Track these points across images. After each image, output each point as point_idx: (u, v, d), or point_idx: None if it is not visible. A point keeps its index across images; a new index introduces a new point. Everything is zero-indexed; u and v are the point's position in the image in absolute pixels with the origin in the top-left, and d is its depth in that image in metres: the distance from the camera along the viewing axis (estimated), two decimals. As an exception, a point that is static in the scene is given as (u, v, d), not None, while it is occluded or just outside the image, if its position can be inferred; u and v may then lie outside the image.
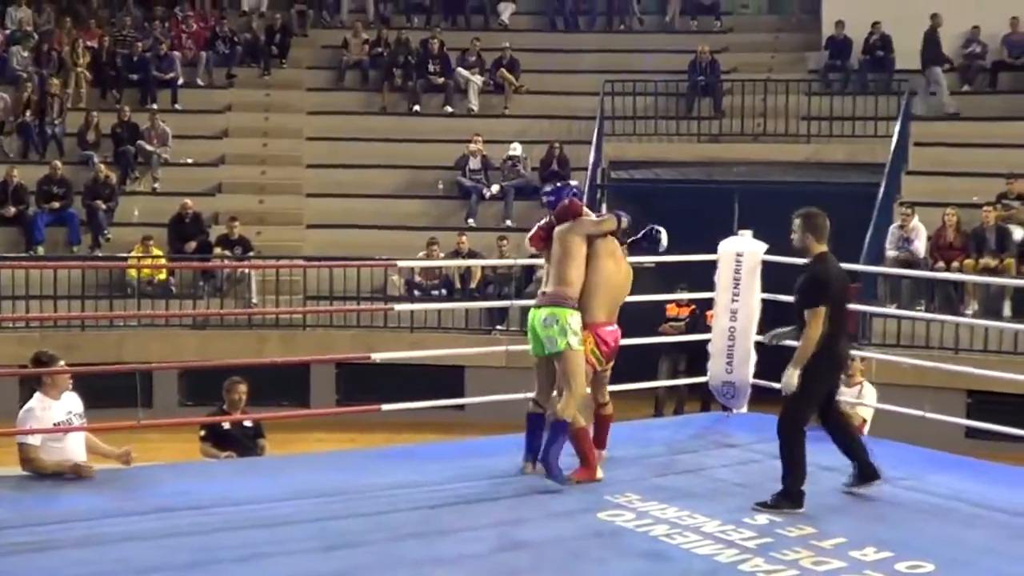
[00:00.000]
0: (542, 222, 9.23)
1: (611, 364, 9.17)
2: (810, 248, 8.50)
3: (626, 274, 9.17)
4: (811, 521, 7.94)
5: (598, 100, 22.50)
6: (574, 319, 8.70)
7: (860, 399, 11.56)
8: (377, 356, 10.20)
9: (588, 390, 9.05)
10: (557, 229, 8.95)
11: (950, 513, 8.43)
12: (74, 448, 9.07)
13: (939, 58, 22.95)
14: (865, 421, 11.57)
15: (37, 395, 9.09)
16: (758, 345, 10.80)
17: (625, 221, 9.12)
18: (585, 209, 9.13)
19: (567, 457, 8.74)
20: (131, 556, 7.24)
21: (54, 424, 8.98)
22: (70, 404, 9.13)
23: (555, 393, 8.80)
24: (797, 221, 8.54)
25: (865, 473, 8.60)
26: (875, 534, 7.67)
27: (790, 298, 8.84)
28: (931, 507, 8.57)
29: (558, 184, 9.76)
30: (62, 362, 9.25)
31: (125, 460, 9.21)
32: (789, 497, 8.22)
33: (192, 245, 19.93)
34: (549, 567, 7.00)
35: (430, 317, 18.11)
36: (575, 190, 9.33)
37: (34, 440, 8.90)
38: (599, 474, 8.85)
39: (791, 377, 8.25)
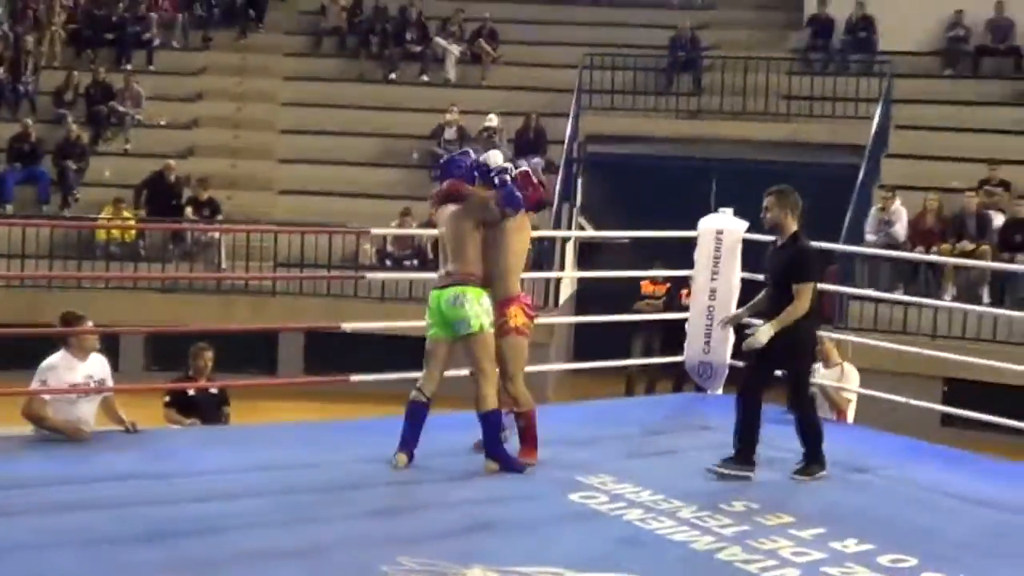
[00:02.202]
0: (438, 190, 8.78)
1: None
2: (786, 226, 8.45)
3: (529, 238, 8.84)
4: (789, 509, 7.74)
5: (577, 73, 22.27)
6: (484, 298, 8.37)
7: (842, 382, 11.37)
8: (347, 326, 9.96)
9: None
10: (448, 211, 8.55)
11: (932, 505, 8.25)
12: (85, 411, 8.96)
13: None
14: (849, 401, 11.38)
15: (61, 352, 8.97)
16: (737, 326, 10.63)
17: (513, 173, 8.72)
18: (469, 188, 8.57)
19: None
20: (87, 525, 7.03)
21: (70, 385, 8.86)
22: (93, 367, 8.99)
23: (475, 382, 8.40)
24: (770, 198, 8.48)
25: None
26: (856, 525, 7.48)
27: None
28: (912, 498, 8.39)
29: (446, 157, 9.14)
30: (90, 323, 9.12)
31: (129, 429, 9.07)
32: (817, 460, 8.49)
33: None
34: (518, 549, 6.79)
35: (401, 287, 17.90)
36: (463, 162, 8.73)
37: (47, 396, 8.79)
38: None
39: (764, 334, 8.24)
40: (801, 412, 8.56)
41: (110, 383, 9.21)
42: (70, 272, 18.04)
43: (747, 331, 8.65)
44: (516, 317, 8.49)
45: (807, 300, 8.26)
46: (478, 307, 8.29)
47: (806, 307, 8.26)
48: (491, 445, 8.40)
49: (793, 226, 8.43)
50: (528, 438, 8.57)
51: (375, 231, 16.28)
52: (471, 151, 9.04)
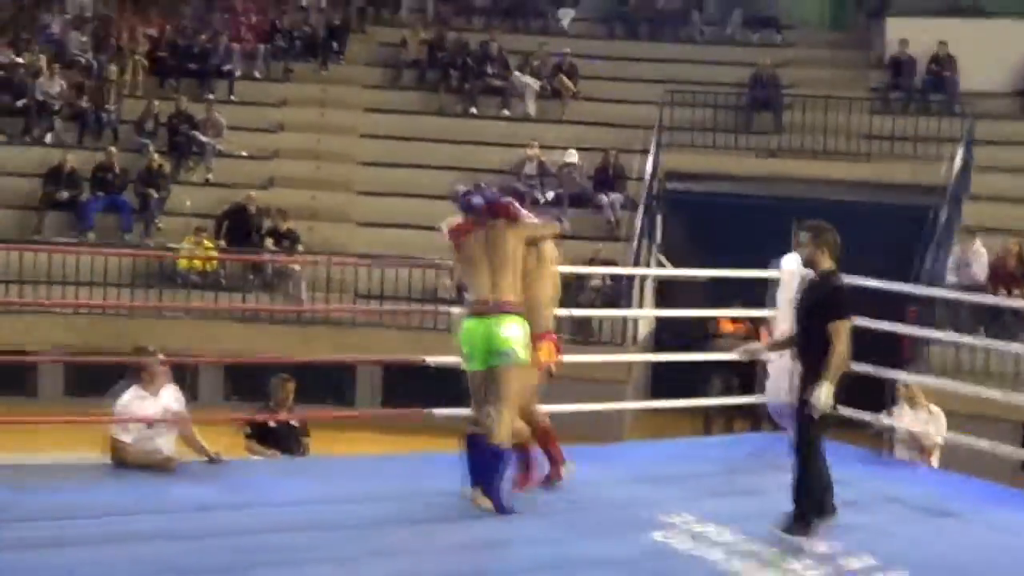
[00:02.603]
0: (460, 220, 8.53)
1: None
2: (820, 263, 8.09)
3: None
4: (873, 552, 7.66)
5: (656, 110, 22.27)
6: (527, 330, 8.25)
7: (929, 424, 11.22)
8: (431, 359, 9.97)
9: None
10: (490, 234, 8.29)
11: (1017, 550, 8.12)
12: (162, 444, 9.06)
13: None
14: (936, 445, 11.21)
15: (133, 388, 9.04)
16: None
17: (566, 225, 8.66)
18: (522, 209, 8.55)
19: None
20: (164, 555, 7.10)
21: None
22: (167, 399, 9.09)
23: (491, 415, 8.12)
24: (806, 235, 8.14)
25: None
26: (939, 569, 7.41)
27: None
28: (997, 544, 8.28)
29: (481, 185, 8.83)
30: (161, 356, 9.18)
31: (213, 459, 9.17)
32: (807, 518, 7.83)
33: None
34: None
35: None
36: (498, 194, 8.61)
37: (125, 436, 8.87)
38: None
39: (828, 395, 7.75)
40: (806, 460, 7.94)
41: (185, 414, 9.28)
42: (151, 301, 18.24)
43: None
44: (549, 354, 8.41)
45: (846, 339, 7.86)
46: (524, 339, 8.17)
47: (846, 347, 7.85)
48: (491, 481, 8.12)
49: (827, 263, 8.07)
50: (528, 464, 8.51)
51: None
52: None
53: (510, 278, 8.21)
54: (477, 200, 8.38)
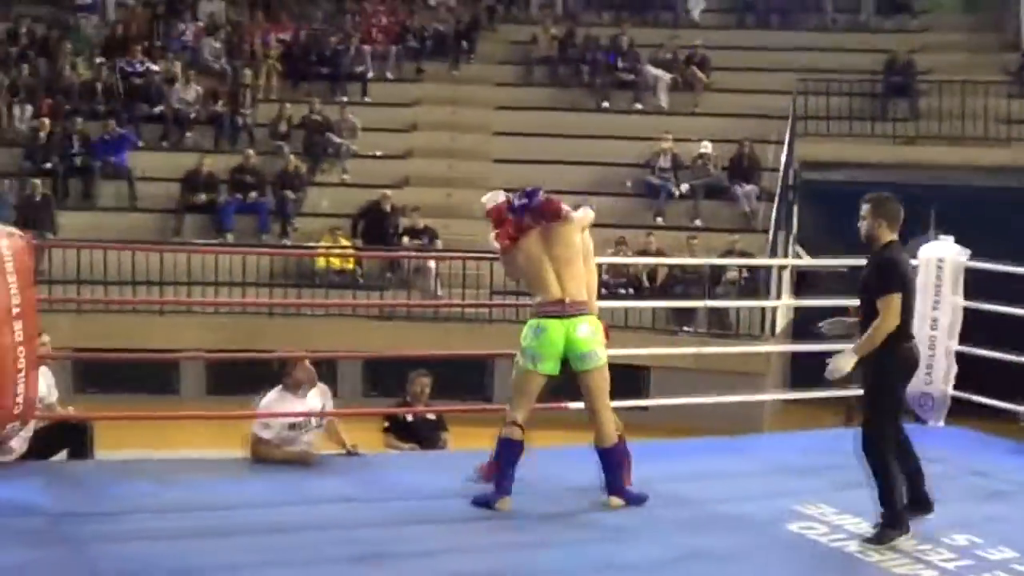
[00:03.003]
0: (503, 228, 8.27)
1: None
2: (880, 236, 7.61)
3: None
4: (1013, 544, 7.50)
5: (790, 99, 22.09)
6: (600, 327, 8.17)
7: None
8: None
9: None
10: (550, 230, 8.14)
11: None
12: (306, 442, 9.20)
13: None
14: None
15: (278, 389, 9.21)
16: (959, 356, 10.42)
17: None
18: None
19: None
20: (308, 546, 7.20)
21: (288, 423, 9.10)
22: (312, 401, 9.24)
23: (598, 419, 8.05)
24: (866, 206, 7.69)
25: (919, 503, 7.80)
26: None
27: (994, 306, 8.38)
28: None
29: (527, 189, 8.43)
30: (307, 362, 9.34)
31: (350, 452, 9.34)
32: (894, 524, 7.43)
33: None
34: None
35: (616, 315, 17.86)
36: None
37: (265, 433, 9.04)
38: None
39: (846, 362, 7.47)
40: (873, 458, 7.54)
41: (331, 407, 9.40)
42: (290, 299, 18.48)
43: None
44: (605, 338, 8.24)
45: (894, 314, 7.39)
46: (601, 337, 8.12)
47: (891, 323, 7.39)
48: (616, 480, 8.09)
49: (887, 236, 7.61)
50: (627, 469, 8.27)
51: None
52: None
53: (577, 276, 8.13)
54: (526, 202, 8.19)
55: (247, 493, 8.26)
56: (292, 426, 9.13)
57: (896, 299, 7.40)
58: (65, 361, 14.75)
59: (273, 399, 9.18)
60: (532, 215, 8.17)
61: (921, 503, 7.76)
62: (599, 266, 9.09)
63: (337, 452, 9.38)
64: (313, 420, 9.22)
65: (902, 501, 7.48)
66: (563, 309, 8.02)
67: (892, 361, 7.56)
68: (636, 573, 6.74)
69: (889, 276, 7.50)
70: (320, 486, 8.51)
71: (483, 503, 7.96)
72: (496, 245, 8.33)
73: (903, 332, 7.53)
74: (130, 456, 9.85)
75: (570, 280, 8.07)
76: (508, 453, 8.00)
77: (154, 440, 13.06)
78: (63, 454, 9.71)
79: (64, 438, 9.75)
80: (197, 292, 18.27)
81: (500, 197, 8.40)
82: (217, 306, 18.22)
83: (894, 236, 7.65)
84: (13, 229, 7.78)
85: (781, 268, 19.52)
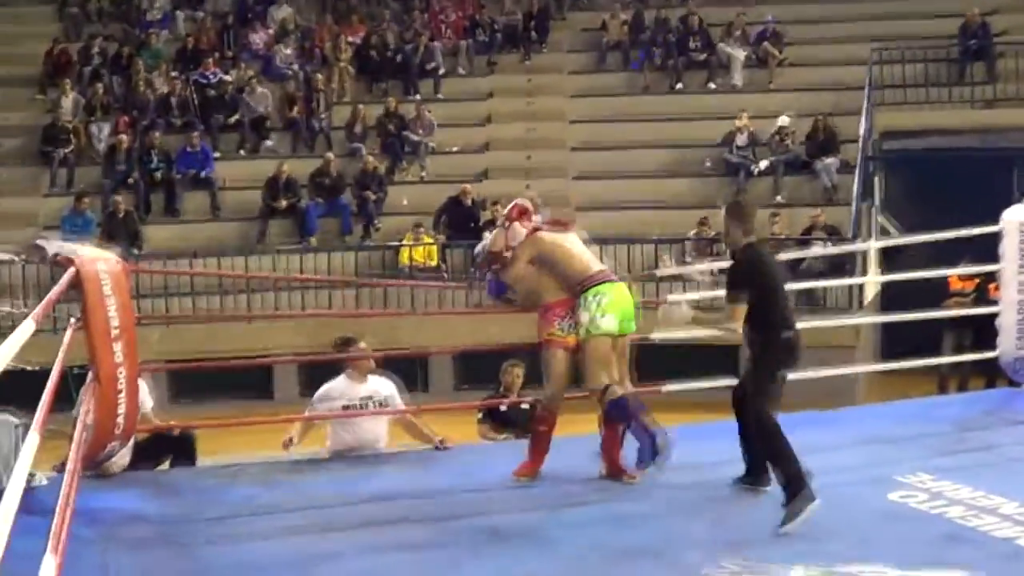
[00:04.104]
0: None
1: None
2: (736, 240, 7.91)
3: None
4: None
5: (865, 69, 21.96)
6: None
7: None
8: (656, 336, 10.03)
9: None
10: (562, 229, 8.85)
11: None
12: (367, 430, 9.32)
13: None
14: None
15: (342, 377, 9.42)
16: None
17: None
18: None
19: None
20: (412, 538, 7.31)
21: (343, 407, 9.29)
22: (373, 388, 9.36)
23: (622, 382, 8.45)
24: (723, 215, 8.03)
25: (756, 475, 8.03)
26: None
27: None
28: None
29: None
30: (362, 344, 9.49)
31: (438, 447, 9.44)
32: (798, 493, 7.37)
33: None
34: (839, 549, 6.76)
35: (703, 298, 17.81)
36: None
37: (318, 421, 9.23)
38: None
39: (680, 314, 8.42)
40: (763, 440, 7.75)
41: (398, 401, 9.52)
42: (376, 299, 18.60)
43: None
44: None
45: (735, 319, 7.75)
46: None
47: (735, 327, 7.79)
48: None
49: (744, 239, 7.86)
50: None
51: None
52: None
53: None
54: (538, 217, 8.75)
55: (350, 489, 8.38)
56: (346, 407, 9.29)
57: (738, 308, 7.72)
58: (159, 373, 14.94)
59: (331, 386, 9.42)
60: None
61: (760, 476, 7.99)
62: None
63: (426, 447, 9.50)
64: (370, 404, 9.35)
65: (800, 469, 7.46)
66: (608, 275, 8.51)
67: (771, 351, 7.85)
68: (739, 549, 6.77)
69: (733, 282, 7.82)
70: (419, 479, 8.63)
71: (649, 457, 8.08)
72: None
73: (779, 322, 7.82)
74: (229, 461, 9.99)
75: (591, 256, 8.62)
76: (625, 410, 8.25)
77: (251, 444, 13.23)
78: (166, 463, 9.92)
79: (168, 447, 9.96)
80: (284, 297, 18.46)
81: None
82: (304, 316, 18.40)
83: (751, 238, 7.89)
84: (109, 253, 7.93)
85: (867, 239, 19.41)
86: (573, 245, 8.66)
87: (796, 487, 7.36)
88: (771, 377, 7.90)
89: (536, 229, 8.67)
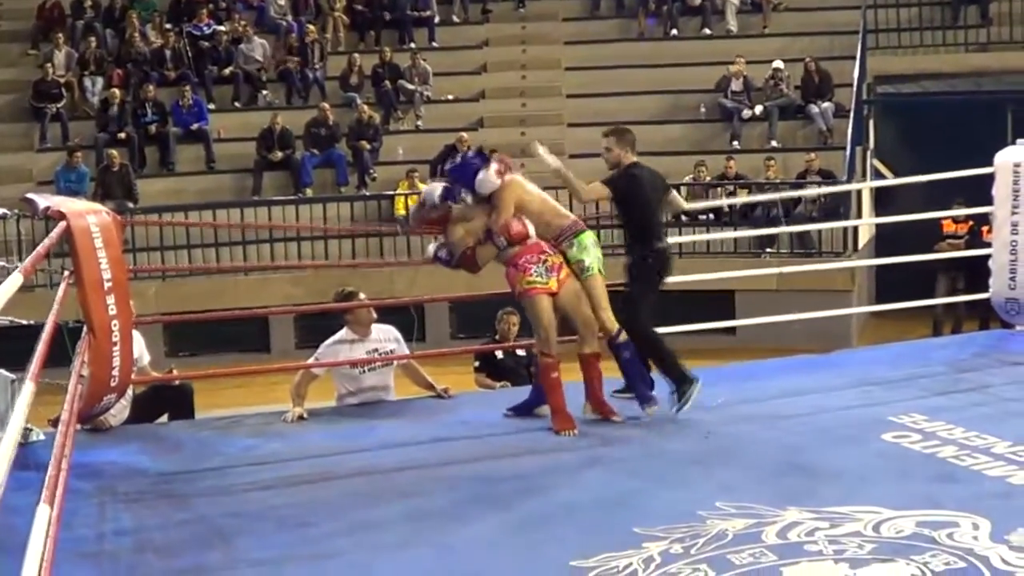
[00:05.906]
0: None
1: None
2: (624, 160, 8.91)
3: None
4: None
5: (859, 13, 21.90)
6: None
7: None
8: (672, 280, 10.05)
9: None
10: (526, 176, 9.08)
11: None
12: (374, 382, 9.34)
13: None
14: None
15: (344, 330, 9.36)
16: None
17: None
18: None
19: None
20: (410, 485, 7.34)
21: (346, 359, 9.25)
22: (376, 340, 9.33)
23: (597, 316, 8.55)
24: (611, 139, 8.96)
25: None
26: None
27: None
28: None
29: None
30: (362, 295, 9.46)
31: (442, 395, 9.48)
32: (683, 380, 8.45)
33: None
34: (833, 490, 6.79)
35: (698, 243, 17.86)
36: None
37: (319, 371, 9.25)
38: None
39: (546, 158, 8.84)
40: (638, 338, 8.53)
41: (404, 350, 9.51)
42: (372, 249, 18.60)
43: None
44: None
45: (590, 193, 8.84)
46: None
47: (587, 195, 8.89)
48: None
49: (631, 158, 8.95)
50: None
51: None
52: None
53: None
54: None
55: (347, 439, 8.41)
56: (355, 365, 9.28)
57: (597, 187, 8.82)
58: (155, 326, 14.96)
59: (334, 339, 9.34)
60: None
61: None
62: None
63: (428, 395, 9.54)
64: (379, 355, 9.36)
65: (682, 366, 8.51)
66: (580, 225, 8.64)
67: (647, 260, 8.72)
68: (734, 491, 6.81)
69: (608, 181, 8.82)
70: (416, 428, 8.65)
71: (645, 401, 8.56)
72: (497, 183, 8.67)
73: (649, 235, 8.80)
74: (227, 414, 10.02)
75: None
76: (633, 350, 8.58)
77: (249, 397, 13.30)
78: (164, 417, 9.95)
79: (166, 402, 9.99)
80: (280, 249, 18.47)
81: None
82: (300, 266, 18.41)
83: (632, 158, 8.92)
84: (99, 205, 7.94)
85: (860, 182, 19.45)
86: (541, 192, 8.86)
87: (681, 379, 8.43)
88: (648, 285, 8.71)
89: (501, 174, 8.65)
